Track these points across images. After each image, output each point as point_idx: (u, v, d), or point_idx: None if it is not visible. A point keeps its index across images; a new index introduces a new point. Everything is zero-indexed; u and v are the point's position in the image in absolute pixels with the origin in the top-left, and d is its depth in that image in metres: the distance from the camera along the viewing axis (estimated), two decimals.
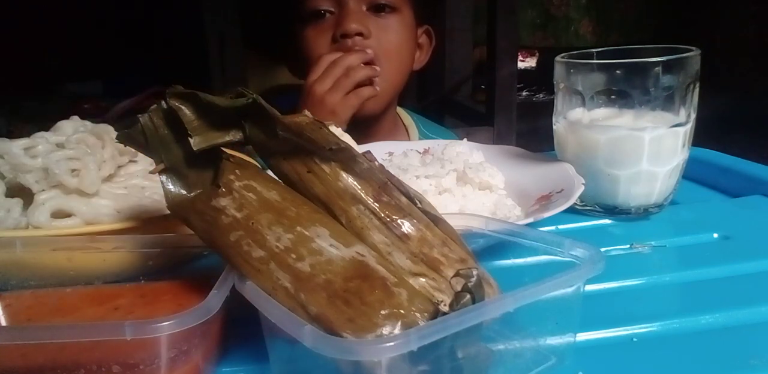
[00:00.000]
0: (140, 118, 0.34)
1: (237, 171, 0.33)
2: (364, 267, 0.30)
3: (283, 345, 0.31)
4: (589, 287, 0.42)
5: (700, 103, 0.53)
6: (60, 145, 0.45)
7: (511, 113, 1.32)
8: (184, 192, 0.34)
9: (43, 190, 0.42)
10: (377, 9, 0.86)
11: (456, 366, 0.28)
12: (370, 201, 0.32)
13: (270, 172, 0.35)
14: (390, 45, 0.86)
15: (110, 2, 1.63)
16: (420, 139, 0.99)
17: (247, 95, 0.33)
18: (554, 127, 0.58)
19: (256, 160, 0.39)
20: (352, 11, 0.83)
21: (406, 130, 1.01)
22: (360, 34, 0.82)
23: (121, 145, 0.36)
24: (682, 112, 0.52)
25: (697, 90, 0.52)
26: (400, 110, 1.03)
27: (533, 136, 1.15)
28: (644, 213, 0.55)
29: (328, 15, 0.85)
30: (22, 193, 0.43)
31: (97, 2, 1.60)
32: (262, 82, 1.44)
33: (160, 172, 0.35)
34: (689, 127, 0.53)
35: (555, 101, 0.57)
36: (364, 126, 0.87)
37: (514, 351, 0.33)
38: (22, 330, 0.30)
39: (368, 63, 0.82)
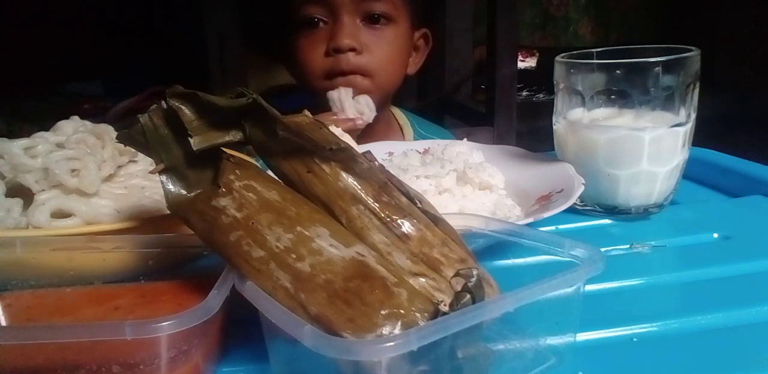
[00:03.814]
0: (140, 118, 0.34)
1: (237, 171, 0.33)
2: (364, 267, 0.30)
3: (283, 345, 0.31)
4: (589, 287, 0.42)
5: (700, 103, 0.53)
6: (60, 145, 0.45)
7: (511, 113, 1.32)
8: (184, 192, 0.34)
9: (43, 190, 0.42)
10: (372, 20, 0.85)
11: (456, 366, 0.28)
12: (370, 201, 0.32)
13: (270, 172, 0.36)
14: (383, 57, 0.85)
15: (110, 2, 1.63)
16: (415, 138, 0.99)
17: (247, 95, 0.33)
18: (554, 127, 0.58)
19: (256, 160, 0.39)
20: (345, 24, 0.82)
21: (401, 130, 1.01)
22: (353, 49, 0.82)
23: (121, 145, 0.36)
24: (682, 112, 0.52)
25: (697, 90, 0.52)
26: (394, 109, 1.03)
27: (533, 136, 1.15)
28: (644, 213, 0.55)
29: (321, 24, 0.84)
30: (22, 193, 0.43)
31: (97, 2, 1.60)
32: (262, 82, 1.44)
33: (160, 172, 0.35)
34: (689, 127, 0.53)
35: (555, 101, 0.57)
36: None
37: (514, 351, 0.33)
38: (22, 330, 0.30)
39: (360, 73, 0.83)
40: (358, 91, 0.84)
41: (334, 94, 0.79)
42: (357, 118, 0.77)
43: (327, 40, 0.83)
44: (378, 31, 0.85)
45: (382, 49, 0.85)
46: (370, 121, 0.78)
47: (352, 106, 0.78)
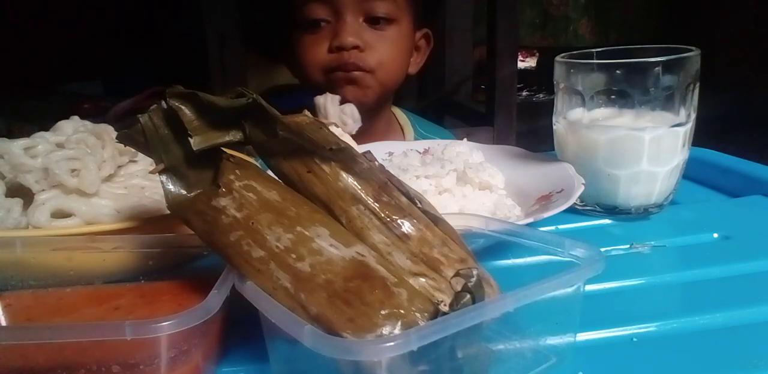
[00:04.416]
0: (140, 118, 0.34)
1: (237, 171, 0.33)
2: (364, 267, 0.30)
3: (283, 345, 0.31)
4: (589, 287, 0.42)
5: (700, 103, 0.53)
6: (60, 145, 0.45)
7: (511, 113, 1.32)
8: (184, 192, 0.34)
9: (43, 190, 0.42)
10: (374, 21, 0.85)
11: (456, 366, 0.28)
12: (370, 201, 0.32)
13: (270, 172, 0.36)
14: (385, 55, 0.86)
15: (110, 2, 1.63)
16: (415, 138, 0.99)
17: (247, 95, 0.33)
18: (554, 127, 0.58)
19: (256, 160, 0.39)
20: (348, 23, 0.83)
21: (402, 130, 1.01)
22: (356, 47, 0.83)
23: (121, 145, 0.36)
24: (682, 112, 0.52)
25: (697, 90, 0.52)
26: (395, 109, 1.03)
27: (533, 136, 1.15)
28: (644, 213, 0.55)
29: (324, 24, 0.85)
30: (22, 193, 0.43)
31: (97, 2, 1.60)
32: (262, 82, 1.44)
33: (160, 172, 0.35)
34: (689, 127, 0.53)
35: (555, 101, 0.57)
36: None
37: (514, 351, 0.33)
38: (22, 330, 0.30)
39: (362, 69, 0.83)
40: (359, 86, 0.85)
41: (320, 100, 0.77)
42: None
43: (330, 39, 0.84)
44: (380, 31, 0.86)
45: (384, 48, 0.86)
46: (353, 132, 0.77)
47: (336, 114, 0.76)
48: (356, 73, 0.84)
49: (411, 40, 0.92)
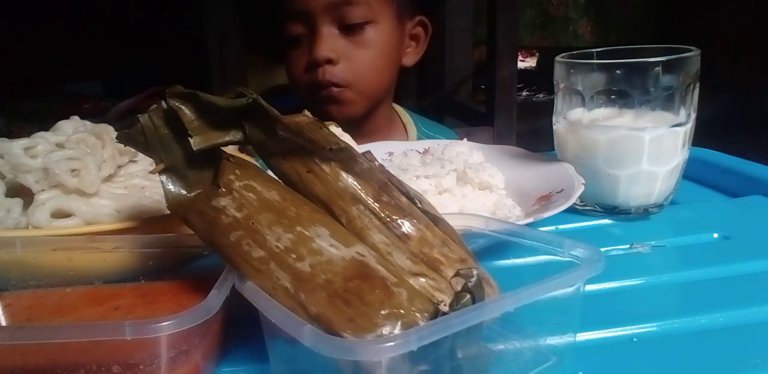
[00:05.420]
0: (140, 118, 0.34)
1: (237, 171, 0.33)
2: (364, 267, 0.30)
3: (283, 345, 0.31)
4: (589, 287, 0.42)
5: (700, 103, 0.53)
6: (60, 145, 0.45)
7: (511, 113, 1.33)
8: (184, 192, 0.34)
9: (43, 190, 0.42)
10: (350, 28, 0.83)
11: (456, 366, 0.28)
12: (370, 201, 0.32)
13: (270, 172, 0.36)
14: (362, 64, 0.84)
15: (110, 2, 1.63)
16: (419, 137, 0.98)
17: (247, 95, 0.33)
18: (554, 127, 0.58)
19: (256, 160, 0.39)
20: (322, 36, 0.82)
21: (405, 129, 1.01)
22: (329, 61, 0.82)
23: (121, 145, 0.36)
24: (682, 112, 0.52)
25: (697, 90, 0.52)
26: (399, 109, 1.03)
27: (533, 136, 1.15)
28: (644, 213, 0.55)
29: (304, 39, 0.84)
30: (22, 193, 0.43)
31: (97, 2, 1.60)
32: (262, 82, 1.44)
33: (160, 172, 0.35)
34: (689, 127, 0.53)
35: (555, 101, 0.57)
36: (356, 126, 0.86)
37: (514, 351, 0.33)
38: (22, 330, 0.30)
39: (339, 84, 0.83)
40: (342, 104, 0.84)
41: None
42: None
43: (308, 53, 0.83)
44: (357, 37, 0.84)
45: (361, 55, 0.84)
46: None
47: None
48: (335, 89, 0.83)
49: (396, 37, 0.90)
